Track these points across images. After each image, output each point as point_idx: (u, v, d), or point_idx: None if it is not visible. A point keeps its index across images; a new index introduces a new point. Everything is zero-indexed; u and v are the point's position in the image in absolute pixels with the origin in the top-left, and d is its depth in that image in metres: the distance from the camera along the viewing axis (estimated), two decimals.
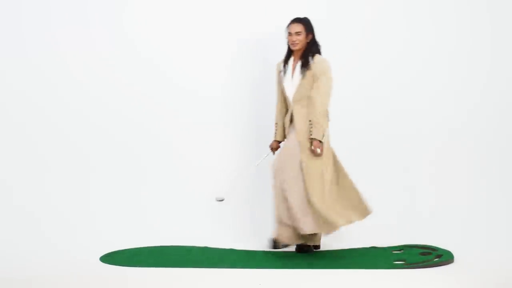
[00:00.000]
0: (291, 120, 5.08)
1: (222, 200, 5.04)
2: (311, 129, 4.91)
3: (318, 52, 5.10)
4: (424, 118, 5.93)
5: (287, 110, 5.18)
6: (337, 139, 5.58)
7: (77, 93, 5.76)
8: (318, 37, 5.11)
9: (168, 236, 5.40)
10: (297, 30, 5.03)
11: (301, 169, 4.93)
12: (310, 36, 5.09)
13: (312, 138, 4.91)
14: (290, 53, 5.15)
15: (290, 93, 5.08)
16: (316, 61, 5.01)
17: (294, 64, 5.10)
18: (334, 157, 5.08)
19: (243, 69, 5.85)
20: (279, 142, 5.24)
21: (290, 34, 5.06)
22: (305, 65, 5.01)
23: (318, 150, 4.90)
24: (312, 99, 4.95)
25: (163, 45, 5.82)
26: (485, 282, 4.42)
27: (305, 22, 5.08)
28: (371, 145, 5.91)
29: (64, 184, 5.70)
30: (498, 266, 4.72)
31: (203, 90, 5.86)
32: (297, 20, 5.08)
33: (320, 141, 4.92)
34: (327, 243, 5.19)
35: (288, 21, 5.11)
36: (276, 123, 5.25)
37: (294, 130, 5.04)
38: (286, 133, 5.15)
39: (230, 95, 5.86)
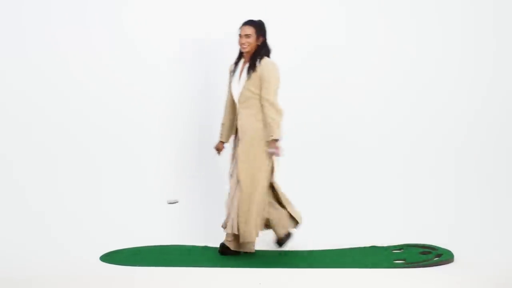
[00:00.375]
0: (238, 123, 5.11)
1: (175, 203, 5.08)
2: (269, 131, 4.92)
3: (267, 55, 5.07)
4: (425, 119, 5.94)
5: (235, 112, 5.19)
6: (341, 138, 5.63)
7: (76, 93, 5.75)
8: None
9: (168, 236, 5.39)
10: (247, 33, 5.03)
11: (238, 182, 4.97)
12: (261, 39, 5.07)
13: (271, 140, 4.92)
14: (241, 55, 5.15)
15: (236, 94, 5.09)
16: (263, 64, 4.99)
17: (243, 66, 5.10)
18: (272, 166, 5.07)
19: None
20: (224, 143, 5.27)
21: (240, 36, 5.06)
22: (252, 67, 5.00)
23: (274, 150, 4.93)
24: (263, 101, 4.96)
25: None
26: (485, 282, 4.41)
27: (257, 25, 5.07)
28: (372, 143, 5.92)
29: (63, 183, 5.68)
30: (498, 266, 4.71)
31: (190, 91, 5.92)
32: (248, 23, 5.07)
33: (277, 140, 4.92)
34: (327, 242, 5.19)
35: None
36: (223, 124, 5.26)
37: (239, 136, 5.07)
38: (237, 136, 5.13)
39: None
